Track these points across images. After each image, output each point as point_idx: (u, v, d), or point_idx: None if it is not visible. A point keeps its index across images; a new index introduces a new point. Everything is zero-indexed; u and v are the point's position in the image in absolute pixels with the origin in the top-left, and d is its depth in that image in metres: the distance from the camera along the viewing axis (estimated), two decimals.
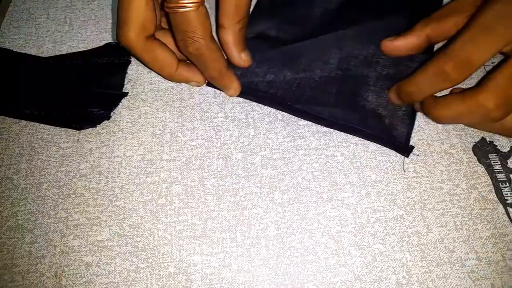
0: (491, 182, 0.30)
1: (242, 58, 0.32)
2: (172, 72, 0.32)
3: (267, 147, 0.32)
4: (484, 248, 0.28)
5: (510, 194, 0.30)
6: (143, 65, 0.35)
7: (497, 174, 0.30)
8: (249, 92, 0.33)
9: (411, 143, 0.32)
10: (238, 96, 0.34)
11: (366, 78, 0.34)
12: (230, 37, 0.31)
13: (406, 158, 0.31)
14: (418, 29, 0.32)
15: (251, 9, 0.34)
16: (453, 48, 0.27)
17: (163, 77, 0.34)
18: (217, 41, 0.31)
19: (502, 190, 0.30)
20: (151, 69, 0.34)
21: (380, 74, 0.34)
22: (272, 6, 0.38)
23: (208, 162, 0.31)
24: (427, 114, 0.30)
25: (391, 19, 0.36)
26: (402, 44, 0.33)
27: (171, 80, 0.34)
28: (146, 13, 0.30)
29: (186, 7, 0.28)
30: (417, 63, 0.34)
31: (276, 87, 0.33)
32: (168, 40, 0.33)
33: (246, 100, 0.34)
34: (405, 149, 0.31)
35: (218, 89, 0.34)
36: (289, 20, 0.37)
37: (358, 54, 0.35)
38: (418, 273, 0.27)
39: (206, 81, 0.34)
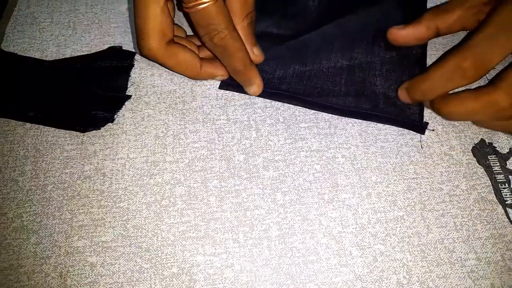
0: (490, 183, 0.31)
1: (254, 52, 0.33)
2: (197, 71, 0.33)
3: (269, 149, 0.32)
4: (484, 248, 0.28)
5: (509, 195, 0.30)
6: (145, 68, 0.36)
7: (496, 175, 0.31)
8: (263, 90, 0.34)
9: (409, 144, 0.32)
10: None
11: (371, 63, 0.35)
12: (240, 33, 0.31)
13: (422, 136, 0.32)
14: (427, 19, 0.32)
15: None
16: (472, 45, 0.27)
17: (189, 78, 0.35)
18: None
19: (501, 191, 0.30)
20: (176, 72, 0.34)
21: (384, 58, 0.35)
22: (268, 4, 0.38)
23: (211, 164, 0.32)
24: (437, 110, 0.30)
25: (388, 4, 0.37)
26: (410, 33, 0.33)
27: (196, 79, 0.35)
28: (163, 20, 0.31)
29: (204, 2, 0.28)
30: (418, 46, 0.35)
31: (287, 82, 0.34)
32: (185, 43, 0.33)
33: (248, 102, 0.34)
34: (419, 127, 0.32)
35: (238, 91, 0.34)
36: (287, 16, 0.38)
37: (360, 40, 0.35)
38: (418, 273, 0.28)
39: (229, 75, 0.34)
